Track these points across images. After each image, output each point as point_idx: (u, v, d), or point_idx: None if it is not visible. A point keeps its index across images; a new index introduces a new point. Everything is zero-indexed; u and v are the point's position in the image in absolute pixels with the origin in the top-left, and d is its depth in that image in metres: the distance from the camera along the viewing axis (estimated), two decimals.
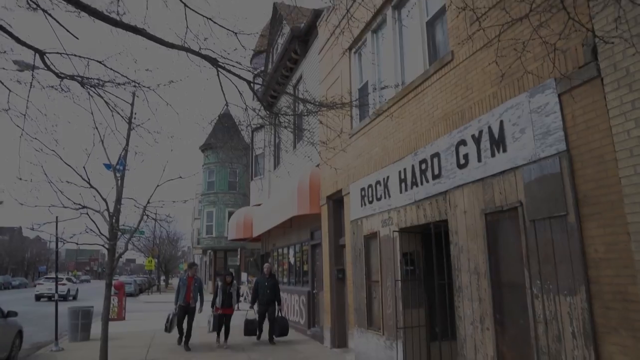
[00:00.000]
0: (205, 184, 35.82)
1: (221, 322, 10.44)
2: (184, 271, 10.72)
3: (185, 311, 10.25)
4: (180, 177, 9.85)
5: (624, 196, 3.77)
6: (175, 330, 10.31)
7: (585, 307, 4.07)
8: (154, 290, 41.27)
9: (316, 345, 10.52)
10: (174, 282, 66.16)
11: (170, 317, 10.11)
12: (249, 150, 18.79)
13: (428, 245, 6.94)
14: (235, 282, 11.23)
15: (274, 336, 10.95)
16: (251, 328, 11.03)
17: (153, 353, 9.70)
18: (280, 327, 10.85)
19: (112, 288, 14.89)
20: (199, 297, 10.46)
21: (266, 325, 11.36)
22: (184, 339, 10.25)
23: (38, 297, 29.01)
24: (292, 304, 13.51)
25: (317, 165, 11.35)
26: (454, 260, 5.84)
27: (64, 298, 27.60)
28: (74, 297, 31.33)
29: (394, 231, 7.32)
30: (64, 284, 28.83)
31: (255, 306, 11.73)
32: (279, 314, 11.20)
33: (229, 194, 34.82)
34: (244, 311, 12.63)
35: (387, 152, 7.75)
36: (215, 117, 6.75)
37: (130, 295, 31.70)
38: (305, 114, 6.48)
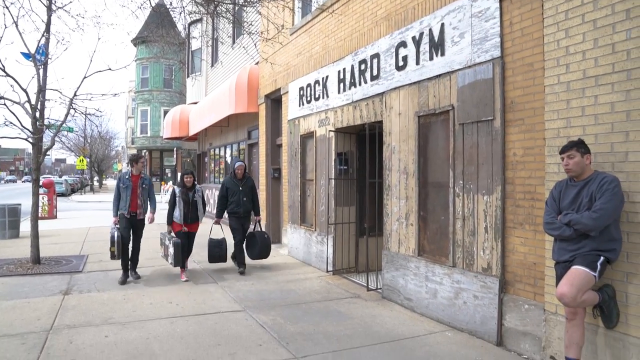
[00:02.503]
0: (138, 81, 33.87)
1: (185, 247, 7.09)
2: (119, 171, 7.07)
3: (131, 225, 6.96)
4: (110, 69, 9.23)
5: (545, 104, 3.98)
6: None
7: (499, 205, 4.43)
8: (87, 191, 40.25)
9: None
10: (109, 183, 63.54)
11: (116, 237, 6.73)
12: (185, 45, 17.71)
13: (362, 146, 7.13)
14: (197, 185, 7.48)
15: (243, 259, 7.68)
16: (218, 252, 7.56)
17: (88, 249, 9.68)
18: (259, 247, 7.62)
19: (42, 186, 14.43)
20: (149, 204, 7.19)
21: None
22: (128, 267, 7.02)
23: None
24: None
25: (257, 63, 10.98)
26: (386, 161, 6.07)
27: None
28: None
29: (330, 131, 7.41)
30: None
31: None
32: (257, 228, 7.89)
33: (164, 92, 33.28)
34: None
35: (327, 51, 7.58)
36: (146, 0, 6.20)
37: (62, 195, 30.98)
38: (245, 2, 6.10)
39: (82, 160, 34.00)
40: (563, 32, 3.84)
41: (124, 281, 6.82)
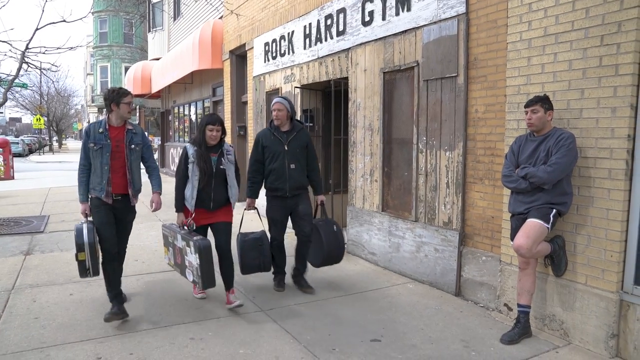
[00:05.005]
0: (96, 35, 32.30)
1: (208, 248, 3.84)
2: (88, 125, 4.31)
3: (115, 217, 3.98)
4: (64, 20, 8.76)
5: (507, 61, 4.03)
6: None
7: (460, 160, 4.54)
8: (46, 151, 38.83)
9: None
10: (70, 143, 59.77)
11: (85, 235, 3.76)
12: None
13: (328, 103, 7.10)
14: (227, 142, 4.30)
15: (305, 270, 4.75)
16: (257, 257, 4.49)
17: (49, 209, 9.44)
18: (327, 247, 4.55)
19: None
20: (152, 178, 4.18)
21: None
22: (110, 285, 3.98)
23: None
24: None
25: (221, 17, 10.63)
26: (351, 117, 6.08)
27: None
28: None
29: (295, 87, 7.34)
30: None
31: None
32: (321, 215, 4.82)
33: (124, 48, 31.93)
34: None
35: (293, 5, 7.39)
36: None
37: (19, 155, 29.83)
38: None
39: (39, 119, 32.58)
40: None
41: (114, 315, 3.81)
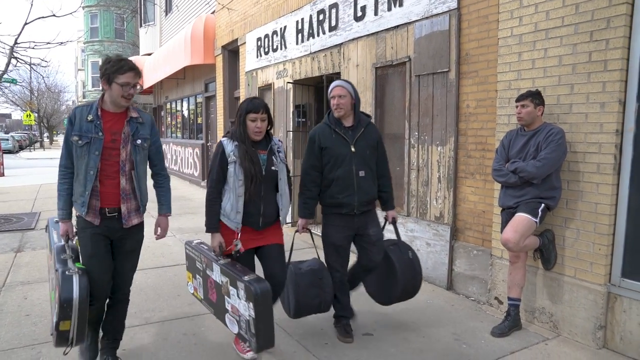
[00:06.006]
0: (87, 30, 32.05)
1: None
2: (73, 109, 2.73)
3: (109, 246, 2.82)
4: (54, 15, 8.72)
5: (499, 56, 4.05)
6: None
7: (452, 155, 4.57)
8: (37, 148, 38.51)
9: None
10: (61, 139, 59.41)
11: (75, 291, 2.50)
12: None
13: (320, 98, 7.11)
14: (275, 137, 3.23)
15: (348, 305, 3.63)
16: (315, 296, 3.30)
17: (40, 206, 9.38)
18: (402, 281, 3.48)
19: None
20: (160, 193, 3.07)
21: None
22: (98, 342, 3.01)
23: None
24: (186, 157, 13.56)
25: (213, 12, 10.58)
26: None
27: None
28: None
29: (288, 83, 7.33)
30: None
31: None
32: (393, 236, 3.70)
33: (115, 43, 31.72)
34: None
35: (285, 0, 7.37)
36: None
37: (9, 152, 29.62)
38: None
39: (30, 115, 32.30)
40: None
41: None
